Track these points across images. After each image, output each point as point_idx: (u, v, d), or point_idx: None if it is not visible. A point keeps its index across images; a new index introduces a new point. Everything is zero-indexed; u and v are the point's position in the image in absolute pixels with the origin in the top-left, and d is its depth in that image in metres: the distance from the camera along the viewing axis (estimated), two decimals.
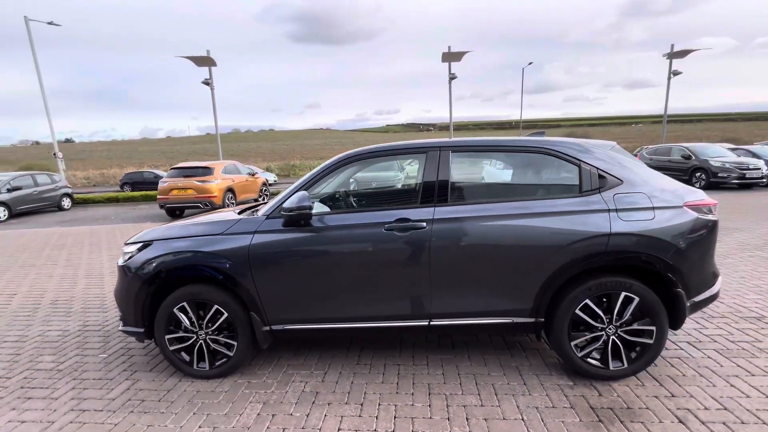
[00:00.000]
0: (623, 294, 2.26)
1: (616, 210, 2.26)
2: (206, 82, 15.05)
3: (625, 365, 2.33)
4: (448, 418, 2.10)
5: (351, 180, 3.60)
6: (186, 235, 2.54)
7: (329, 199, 3.15)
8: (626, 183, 2.33)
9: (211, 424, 2.14)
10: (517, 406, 2.17)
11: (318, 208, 2.73)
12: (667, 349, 2.72)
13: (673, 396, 2.20)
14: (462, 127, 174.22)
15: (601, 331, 2.33)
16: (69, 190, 14.16)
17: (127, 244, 2.67)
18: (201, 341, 2.54)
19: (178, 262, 2.47)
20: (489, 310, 2.38)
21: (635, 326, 2.31)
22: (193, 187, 10.18)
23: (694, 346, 2.74)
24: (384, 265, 2.36)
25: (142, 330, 2.59)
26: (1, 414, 2.29)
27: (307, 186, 2.51)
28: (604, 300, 2.31)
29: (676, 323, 2.35)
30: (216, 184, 10.32)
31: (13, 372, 2.78)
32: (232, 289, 2.45)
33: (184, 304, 2.50)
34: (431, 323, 2.41)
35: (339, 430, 2.05)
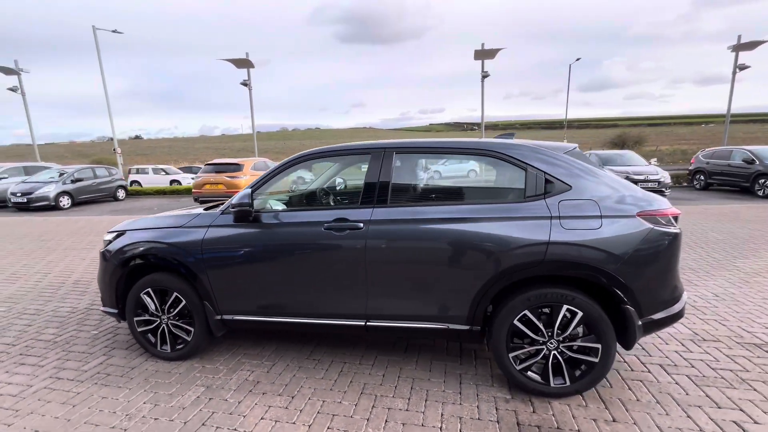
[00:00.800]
0: (565, 307, 2.13)
1: (559, 217, 2.13)
2: (244, 83, 15.91)
3: (568, 383, 2.19)
4: (368, 419, 2.11)
5: (339, 179, 3.67)
6: (153, 227, 2.76)
7: (289, 197, 3.22)
8: (575, 189, 2.18)
9: (155, 401, 2.32)
10: (441, 414, 2.13)
11: (275, 205, 2.83)
12: (632, 369, 2.51)
13: (613, 421, 2.04)
14: (508, 126, 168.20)
15: (542, 344, 2.21)
16: (123, 183, 15.65)
17: (107, 232, 2.96)
18: (164, 325, 2.75)
19: (143, 251, 2.70)
20: (424, 314, 2.34)
21: (579, 342, 2.16)
22: (223, 183, 10.85)
23: (665, 370, 2.50)
24: (322, 264, 2.41)
25: (116, 311, 2.86)
26: None
27: (258, 185, 2.63)
28: (546, 312, 2.19)
29: (628, 343, 2.16)
30: (244, 180, 10.90)
31: (19, 341, 3.19)
32: (189, 278, 2.63)
33: (149, 290, 2.72)
34: (368, 324, 2.42)
35: (262, 419, 2.14)
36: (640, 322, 2.11)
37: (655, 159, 14.46)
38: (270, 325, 2.61)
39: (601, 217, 2.10)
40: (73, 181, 13.10)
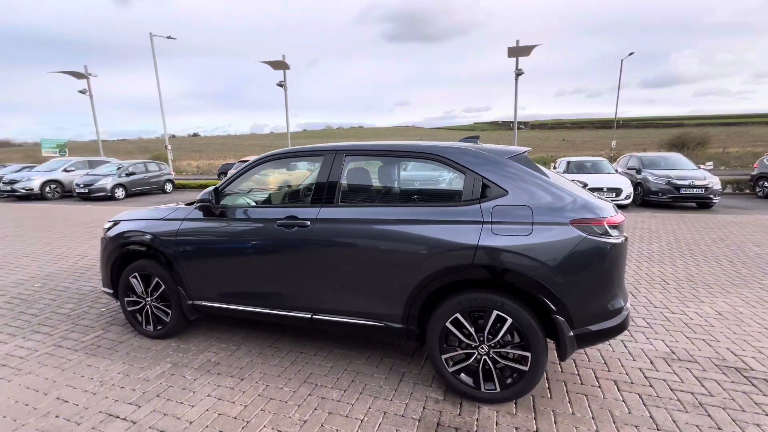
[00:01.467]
0: (495, 313, 2.12)
1: (491, 222, 2.12)
2: (280, 84, 16.66)
3: (498, 389, 2.18)
4: (299, 405, 2.25)
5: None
6: (141, 218, 3.09)
7: (260, 195, 3.38)
8: (511, 194, 2.15)
9: (127, 372, 2.62)
10: (368, 408, 2.21)
11: (244, 202, 3.03)
12: (581, 383, 2.42)
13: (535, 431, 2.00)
14: (558, 125, 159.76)
15: (473, 349, 2.21)
16: (171, 177, 17.04)
17: (107, 221, 3.34)
18: (148, 306, 3.08)
19: (132, 240, 3.03)
20: (364, 311, 2.43)
21: (509, 350, 2.14)
22: None
23: (617, 386, 2.38)
24: (273, 258, 2.58)
25: (111, 291, 3.24)
26: (12, 339, 3.12)
27: (225, 183, 2.85)
28: (478, 317, 2.19)
29: (561, 354, 2.11)
30: (271, 178, 11.46)
31: (41, 312, 3.70)
32: (166, 265, 2.92)
33: (136, 274, 3.05)
34: (314, 317, 2.55)
35: (207, 396, 2.35)
36: (571, 333, 2.05)
37: (711, 163, 13.01)
38: (230, 313, 2.83)
39: (532, 223, 2.06)
40: (127, 175, 14.51)
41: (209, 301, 2.85)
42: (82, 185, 13.44)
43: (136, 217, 3.15)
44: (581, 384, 2.41)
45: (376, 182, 2.68)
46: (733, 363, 2.63)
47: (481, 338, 2.18)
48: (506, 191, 2.16)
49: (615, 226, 2.07)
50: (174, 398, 2.33)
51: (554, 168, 13.03)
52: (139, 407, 2.25)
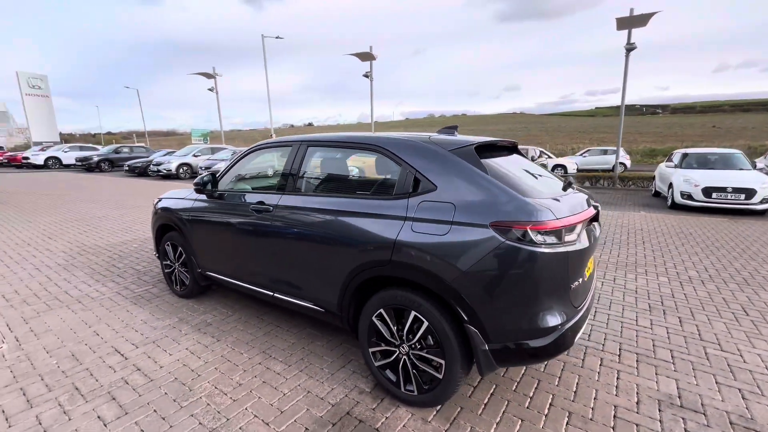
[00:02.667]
0: (413, 313, 2.02)
1: (413, 219, 2.00)
2: (366, 75, 17.27)
3: (416, 392, 2.09)
4: (244, 371, 2.51)
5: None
6: (173, 197, 3.72)
7: (255, 180, 3.57)
8: (439, 190, 1.99)
9: (146, 320, 3.26)
10: (297, 385, 2.36)
11: (233, 186, 3.29)
12: (528, 407, 2.14)
13: None
14: (711, 108, 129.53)
15: (395, 347, 2.15)
16: None
17: (157, 198, 4.10)
18: (176, 271, 3.73)
19: (164, 215, 3.69)
20: (309, 295, 2.54)
21: (425, 353, 2.03)
22: None
23: (568, 419, 2.04)
24: (247, 238, 2.86)
25: (157, 255, 4.00)
26: (95, 284, 4.12)
27: (224, 170, 3.24)
28: (400, 315, 2.11)
29: (478, 368, 1.91)
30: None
31: (124, 267, 4.74)
32: (185, 238, 3.48)
33: (168, 243, 3.71)
34: (274, 295, 2.77)
35: (186, 349, 2.79)
36: (485, 348, 1.84)
37: None
38: (223, 282, 3.24)
39: (451, 222, 1.89)
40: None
41: (210, 271, 3.32)
42: (203, 168, 16.26)
43: (171, 195, 3.81)
44: (526, 408, 2.14)
45: (327, 173, 2.74)
46: (761, 426, 1.99)
47: (402, 338, 2.11)
48: (435, 186, 2.02)
49: (548, 233, 1.76)
50: (162, 346, 2.84)
51: (667, 162, 10.82)
52: (136, 348, 2.81)
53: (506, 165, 2.30)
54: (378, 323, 2.19)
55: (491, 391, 2.28)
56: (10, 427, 2.03)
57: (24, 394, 2.29)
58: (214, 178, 3.21)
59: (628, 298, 3.69)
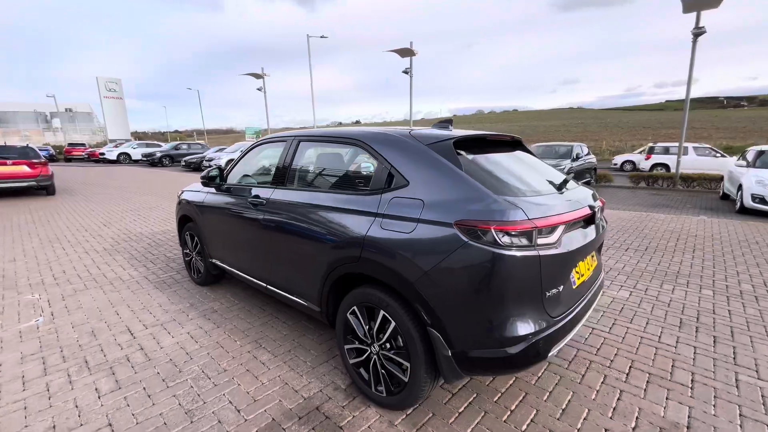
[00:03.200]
0: (382, 312, 1.96)
1: (383, 215, 1.94)
2: (405, 71, 17.13)
3: (385, 393, 2.03)
4: (233, 357, 2.61)
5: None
6: (191, 189, 3.95)
7: (255, 174, 3.66)
8: (411, 186, 1.91)
9: (161, 304, 3.50)
10: (278, 375, 2.40)
11: (245, 180, 3.41)
12: (505, 421, 1.99)
13: None
14: None
15: (367, 346, 2.11)
16: None
17: (181, 190, 4.37)
18: (193, 259, 3.96)
19: (184, 206, 3.93)
20: (297, 289, 2.57)
21: (392, 355, 1.96)
22: None
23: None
24: (244, 229, 2.95)
25: (180, 244, 4.28)
26: (130, 267, 4.51)
27: (230, 165, 3.37)
28: (372, 313, 2.06)
29: (443, 374, 1.81)
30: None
31: (158, 253, 5.14)
32: (199, 228, 3.68)
33: (187, 233, 3.96)
34: (267, 287, 2.84)
35: (187, 332, 2.96)
36: (448, 353, 1.73)
37: None
38: (228, 272, 3.38)
39: (418, 220, 1.80)
40: None
41: (217, 260, 3.48)
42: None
43: (191, 188, 4.04)
44: (504, 421, 1.99)
45: (314, 168, 2.73)
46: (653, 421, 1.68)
47: (373, 337, 2.06)
48: (407, 182, 1.93)
49: (516, 234, 1.60)
50: (168, 328, 3.03)
51: (739, 160, 9.58)
52: (146, 329, 3.03)
53: (498, 161, 2.16)
54: (352, 320, 2.16)
55: (470, 400, 2.16)
56: (24, 390, 2.28)
57: (43, 363, 2.57)
58: (221, 172, 3.35)
59: (657, 311, 3.30)
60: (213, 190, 3.45)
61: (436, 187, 1.83)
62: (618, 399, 2.17)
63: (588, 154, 13.05)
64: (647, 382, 2.32)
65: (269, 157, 3.06)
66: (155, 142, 29.57)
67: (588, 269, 2.10)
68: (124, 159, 26.48)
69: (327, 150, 2.71)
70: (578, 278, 1.96)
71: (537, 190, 1.95)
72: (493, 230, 1.60)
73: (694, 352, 2.65)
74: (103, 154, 26.71)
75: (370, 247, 1.94)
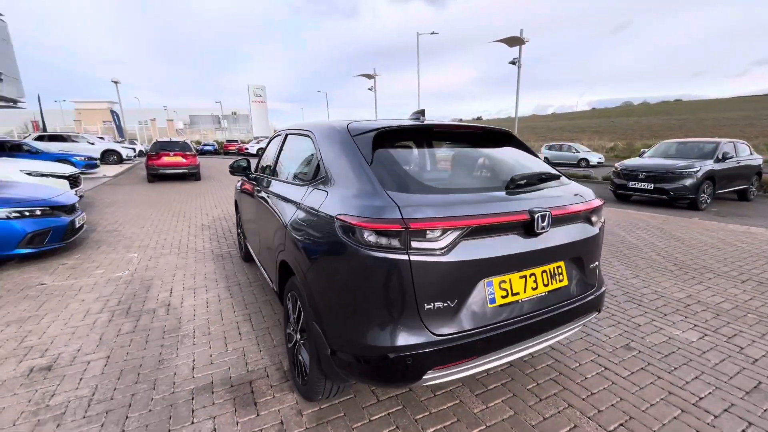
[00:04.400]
0: (299, 301, 1.99)
1: (301, 207, 1.96)
2: (513, 62, 15.75)
3: (301, 383, 2.06)
4: (222, 324, 2.97)
5: None
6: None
7: (266, 164, 3.82)
8: (327, 177, 1.89)
9: (207, 271, 4.17)
10: (242, 347, 2.65)
11: (260, 169, 3.74)
12: (442, 426, 1.80)
13: None
14: None
15: (294, 332, 2.16)
16: None
17: None
18: (240, 237, 4.59)
19: (235, 191, 4.56)
20: (269, 272, 2.76)
21: (303, 344, 1.97)
22: None
23: None
24: (253, 214, 3.29)
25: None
26: (198, 240, 5.47)
27: (261, 155, 3.76)
28: (296, 301, 2.10)
29: (323, 372, 1.74)
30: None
31: (217, 232, 6.08)
32: (238, 209, 4.25)
33: (237, 214, 4.60)
34: (260, 266, 3.12)
35: (208, 297, 3.48)
36: (327, 351, 1.65)
37: None
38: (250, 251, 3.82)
39: (317, 212, 1.76)
40: None
41: (244, 237, 3.97)
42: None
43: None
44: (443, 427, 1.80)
45: (289, 159, 2.80)
46: None
47: (297, 325, 2.10)
48: (326, 173, 1.90)
49: (384, 234, 1.42)
50: (196, 293, 3.61)
51: None
52: (183, 290, 3.68)
53: (440, 155, 1.94)
54: (289, 306, 2.24)
55: (390, 411, 2.01)
56: (82, 319, 3.05)
57: (105, 303, 3.37)
58: (248, 163, 3.78)
59: (725, 365, 2.43)
60: (245, 178, 3.93)
61: (341, 180, 1.76)
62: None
63: (751, 154, 9.98)
64: None
65: (273, 149, 3.34)
66: None
67: (531, 287, 1.71)
68: (261, 153, 31.56)
69: (297, 142, 2.82)
70: (503, 296, 1.62)
71: (466, 187, 1.69)
72: (359, 227, 1.47)
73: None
74: (247, 148, 32.32)
75: (288, 236, 1.98)
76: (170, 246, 5.23)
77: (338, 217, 1.59)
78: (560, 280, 1.80)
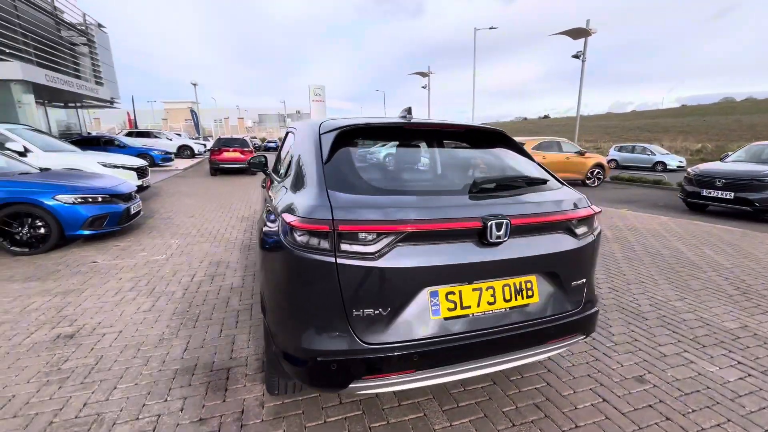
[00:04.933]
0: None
1: (270, 202, 1.98)
2: (576, 56, 14.46)
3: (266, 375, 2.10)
4: (225, 311, 3.14)
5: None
6: None
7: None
8: (290, 173, 1.88)
9: (229, 259, 4.46)
10: (234, 335, 2.78)
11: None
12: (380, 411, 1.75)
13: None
14: None
15: None
16: None
17: None
18: None
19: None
20: None
21: None
22: None
23: None
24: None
25: None
26: (233, 231, 5.84)
27: (278, 153, 3.90)
28: None
29: (271, 369, 1.76)
30: None
31: (229, 233, 6.41)
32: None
33: None
34: None
35: (218, 284, 3.71)
36: (273, 348, 1.66)
37: None
38: None
39: (275, 208, 1.77)
40: None
41: None
42: None
43: None
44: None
45: (281, 157, 2.85)
46: None
47: None
48: (292, 171, 1.91)
49: (312, 234, 1.38)
50: (215, 279, 3.86)
51: None
52: (204, 276, 3.95)
53: (410, 155, 1.86)
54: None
55: (348, 415, 1.96)
56: (114, 296, 3.43)
57: (136, 284, 3.75)
58: (265, 160, 3.94)
59: (760, 418, 2.02)
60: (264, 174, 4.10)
61: (299, 178, 1.76)
62: None
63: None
64: None
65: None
66: None
67: (488, 302, 1.55)
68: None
69: (287, 140, 2.87)
70: (450, 308, 1.50)
71: (418, 190, 1.60)
72: (291, 226, 1.46)
73: None
74: None
75: (257, 231, 2.03)
76: (208, 235, 5.67)
77: (282, 215, 1.59)
78: (528, 296, 1.62)
